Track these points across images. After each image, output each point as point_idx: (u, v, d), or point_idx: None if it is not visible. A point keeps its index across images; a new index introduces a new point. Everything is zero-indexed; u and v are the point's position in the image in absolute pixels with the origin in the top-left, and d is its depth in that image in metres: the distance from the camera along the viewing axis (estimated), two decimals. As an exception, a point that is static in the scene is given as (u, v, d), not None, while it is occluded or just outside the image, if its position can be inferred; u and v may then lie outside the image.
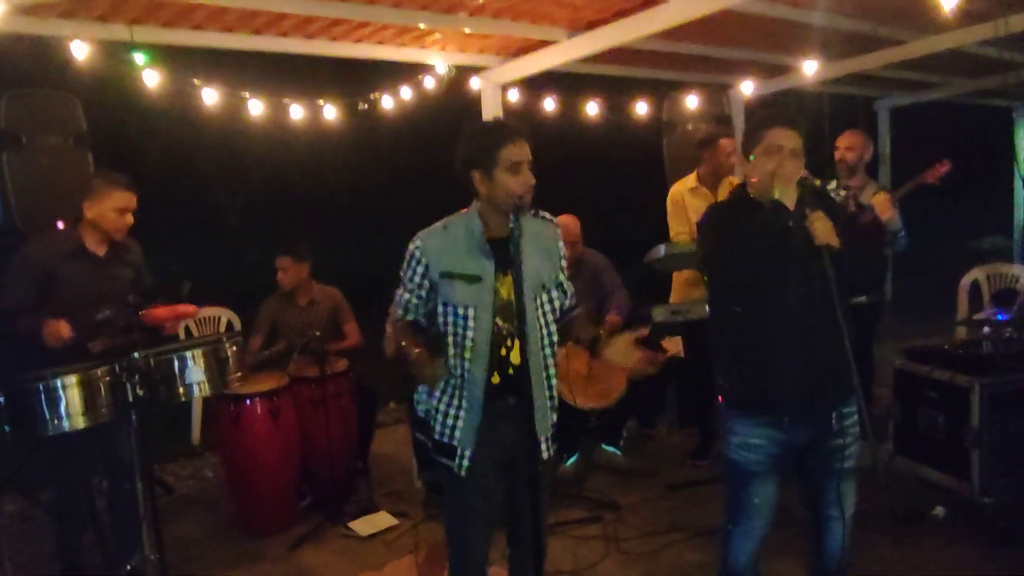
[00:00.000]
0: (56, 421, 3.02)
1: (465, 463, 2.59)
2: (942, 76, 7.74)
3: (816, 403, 2.66)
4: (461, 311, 2.54)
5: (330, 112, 4.99)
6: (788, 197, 2.55)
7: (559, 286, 2.73)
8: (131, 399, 3.13)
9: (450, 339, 2.58)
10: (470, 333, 2.55)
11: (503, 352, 2.59)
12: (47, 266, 3.38)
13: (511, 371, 2.57)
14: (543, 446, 2.65)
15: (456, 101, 5.58)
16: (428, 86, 5.49)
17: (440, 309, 2.58)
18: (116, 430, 3.22)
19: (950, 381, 3.91)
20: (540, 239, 2.66)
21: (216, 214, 7.28)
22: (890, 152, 9.46)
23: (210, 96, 4.74)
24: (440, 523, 4.31)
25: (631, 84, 5.98)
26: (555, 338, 2.70)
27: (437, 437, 2.63)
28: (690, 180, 4.81)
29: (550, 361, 2.67)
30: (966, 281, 5.58)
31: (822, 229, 2.47)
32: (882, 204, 4.52)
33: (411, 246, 2.59)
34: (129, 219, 3.47)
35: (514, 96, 5.75)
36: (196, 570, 3.81)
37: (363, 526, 4.21)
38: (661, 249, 4.44)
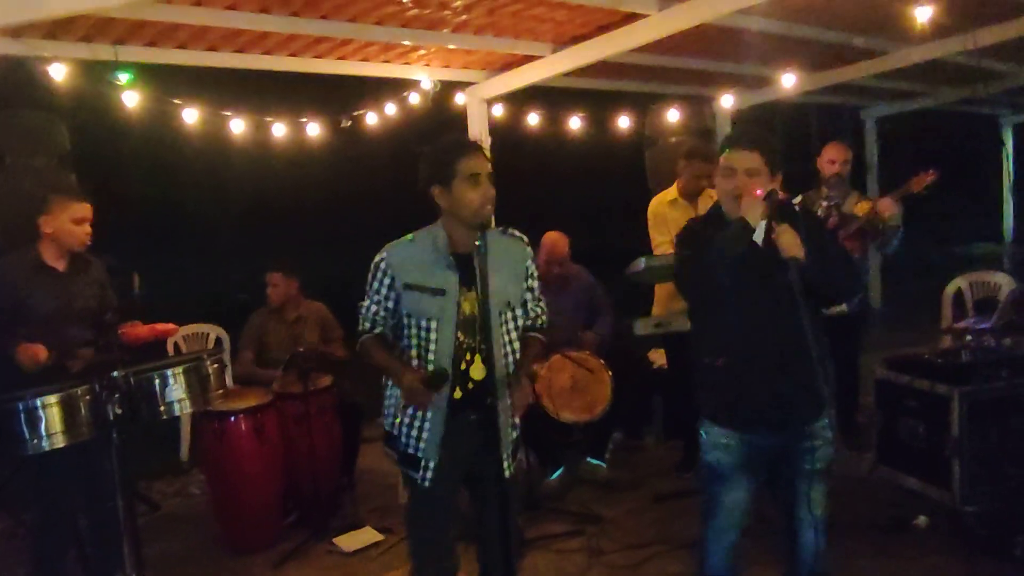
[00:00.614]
0: (36, 440, 3.04)
1: (429, 474, 2.62)
2: (926, 85, 7.80)
3: (787, 416, 2.68)
4: (424, 323, 2.58)
5: (314, 129, 5.02)
6: (752, 214, 2.57)
7: (524, 305, 2.75)
8: (111, 417, 3.14)
9: (414, 351, 2.62)
10: (432, 346, 2.58)
11: (463, 367, 2.63)
12: (15, 285, 3.35)
13: (471, 386, 2.59)
14: (505, 464, 2.67)
15: (441, 116, 5.62)
16: (413, 101, 5.54)
17: (404, 321, 2.61)
18: (97, 448, 3.21)
19: (930, 390, 3.94)
20: (508, 257, 2.69)
21: (203, 231, 7.29)
22: (877, 161, 9.54)
23: (193, 115, 4.79)
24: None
25: (614, 98, 6.04)
26: (518, 356, 2.74)
27: (402, 448, 2.65)
28: (670, 193, 4.83)
29: (508, 380, 2.68)
30: (950, 290, 5.61)
31: (788, 242, 2.50)
32: (885, 203, 4.57)
33: (377, 258, 2.63)
34: (87, 229, 3.43)
35: (499, 111, 5.79)
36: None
37: (348, 542, 4.21)
38: (641, 262, 4.46)
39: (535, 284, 2.78)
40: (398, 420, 2.67)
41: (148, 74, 4.64)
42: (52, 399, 3.05)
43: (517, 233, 2.76)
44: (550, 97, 5.84)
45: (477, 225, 2.53)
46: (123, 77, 4.58)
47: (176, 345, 5.57)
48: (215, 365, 3.48)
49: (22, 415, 3.01)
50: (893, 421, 4.19)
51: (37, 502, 3.44)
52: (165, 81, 4.72)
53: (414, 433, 2.64)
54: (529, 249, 2.77)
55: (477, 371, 2.65)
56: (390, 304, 2.63)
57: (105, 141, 5.06)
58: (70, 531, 3.50)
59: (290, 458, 4.36)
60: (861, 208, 4.72)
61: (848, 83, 7.56)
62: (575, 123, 5.98)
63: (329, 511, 4.47)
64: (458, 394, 2.62)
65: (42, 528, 3.49)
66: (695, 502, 4.28)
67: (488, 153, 2.61)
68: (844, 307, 4.42)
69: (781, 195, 2.77)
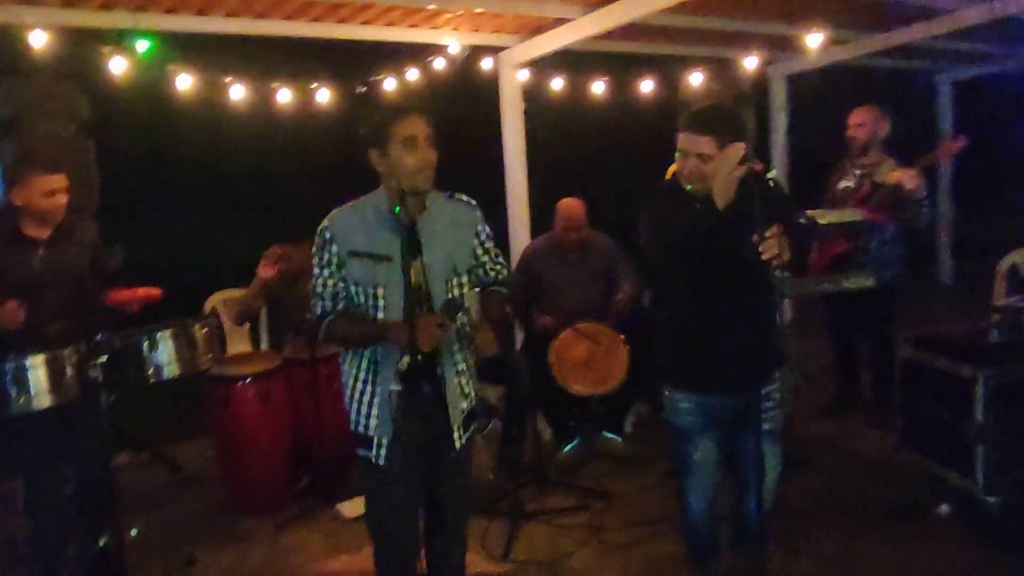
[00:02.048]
0: (23, 400, 3.10)
1: (383, 451, 2.56)
2: (1004, 46, 7.31)
3: (742, 379, 2.72)
4: (371, 291, 2.51)
5: (324, 96, 4.98)
6: (720, 192, 2.55)
7: (476, 271, 2.66)
8: (99, 380, 3.20)
9: None
10: (380, 315, 2.51)
11: None
12: None
13: (420, 357, 2.51)
14: (456, 434, 2.60)
15: (467, 83, 5.52)
16: (438, 67, 5.45)
17: (353, 291, 2.54)
18: (85, 411, 3.25)
19: (952, 371, 3.68)
20: (456, 223, 2.60)
21: (221, 199, 7.40)
22: (952, 127, 8.99)
23: (194, 83, 4.79)
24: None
25: (644, 62, 5.82)
26: (466, 327, 2.66)
27: (354, 428, 2.60)
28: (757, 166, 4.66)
29: (457, 347, 2.62)
30: (1003, 265, 5.23)
31: (774, 247, 2.38)
32: (907, 174, 4.31)
33: (320, 228, 2.55)
34: (60, 200, 3.37)
35: (524, 76, 5.66)
36: (183, 547, 3.88)
37: (350, 508, 4.23)
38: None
39: (490, 245, 2.68)
40: (352, 394, 2.61)
41: (168, 42, 4.69)
42: (39, 359, 3.10)
43: (465, 198, 2.66)
44: (576, 63, 5.68)
45: (417, 191, 2.45)
46: (143, 45, 4.65)
47: (214, 311, 5.64)
48: (205, 330, 3.51)
49: (9, 375, 3.07)
50: (916, 402, 3.94)
51: (24, 471, 3.48)
52: (185, 50, 4.78)
53: (364, 410, 2.57)
54: (479, 213, 2.66)
55: None
56: (343, 273, 2.55)
57: (127, 110, 5.13)
58: (61, 500, 3.50)
59: (299, 424, 4.39)
60: (893, 177, 4.43)
61: (920, 45, 7.16)
62: (605, 89, 5.80)
63: (337, 478, 4.49)
64: (406, 364, 2.55)
65: (32, 504, 3.49)
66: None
67: (427, 115, 2.47)
68: (871, 281, 4.19)
69: (758, 166, 2.69)
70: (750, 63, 5.79)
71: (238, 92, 4.82)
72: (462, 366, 2.62)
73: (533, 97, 5.76)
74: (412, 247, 2.49)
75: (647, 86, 5.83)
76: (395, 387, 2.54)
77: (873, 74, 8.22)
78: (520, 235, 5.78)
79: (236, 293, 5.14)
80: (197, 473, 4.93)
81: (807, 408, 5.32)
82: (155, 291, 3.53)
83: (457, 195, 2.66)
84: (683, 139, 2.67)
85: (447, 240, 2.56)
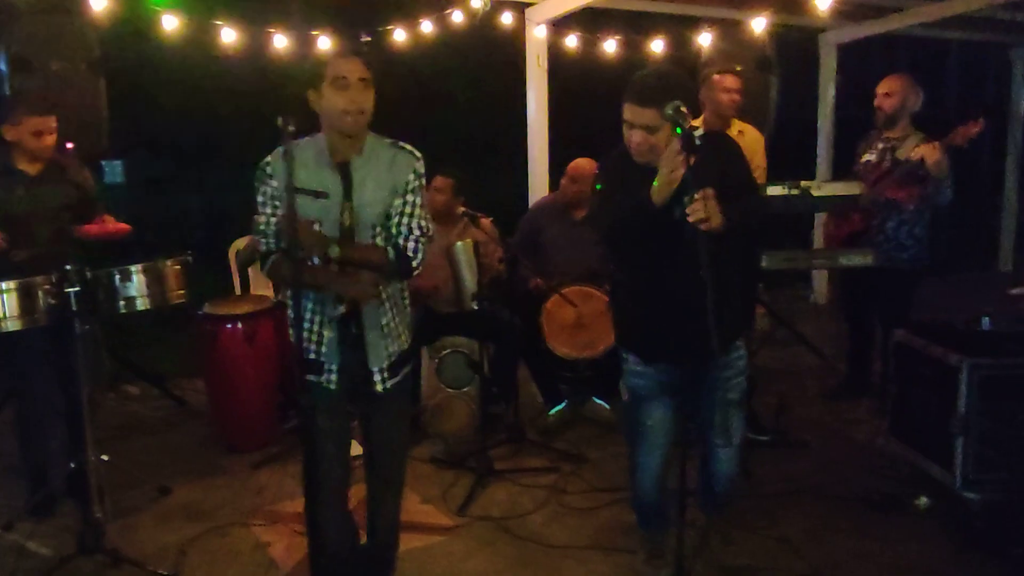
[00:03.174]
0: (-10, 322, 3.25)
1: (334, 376, 2.58)
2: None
3: (690, 353, 2.63)
4: None
5: (325, 43, 4.91)
6: (666, 165, 2.44)
7: (399, 218, 2.59)
8: (73, 308, 3.31)
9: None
10: None
11: None
12: None
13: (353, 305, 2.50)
14: (376, 377, 2.60)
15: (484, 38, 5.42)
16: (456, 20, 5.37)
17: None
18: (63, 337, 3.38)
19: (942, 359, 3.48)
20: (392, 169, 2.56)
21: (233, 145, 7.48)
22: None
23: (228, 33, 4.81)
24: (408, 457, 4.36)
25: (658, 21, 5.63)
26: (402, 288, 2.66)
27: (303, 355, 2.58)
28: (695, 124, 4.45)
29: (385, 296, 2.59)
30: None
31: (702, 211, 2.33)
32: (929, 149, 4.08)
33: (262, 163, 2.54)
34: (47, 141, 3.53)
35: (541, 32, 5.54)
36: (161, 479, 4.01)
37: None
38: None
39: (414, 199, 2.60)
40: (298, 327, 2.61)
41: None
42: (11, 285, 3.23)
43: (408, 147, 2.61)
44: (591, 22, 5.52)
45: (345, 132, 2.44)
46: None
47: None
48: (177, 266, 3.58)
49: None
50: (906, 390, 3.76)
51: (13, 386, 3.67)
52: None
53: (314, 338, 2.58)
54: (419, 164, 2.61)
55: None
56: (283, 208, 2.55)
57: (138, 48, 5.20)
58: (48, 412, 3.70)
59: (288, 366, 4.46)
60: (916, 153, 4.18)
61: (988, 16, 6.73)
62: (623, 48, 5.64)
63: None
64: (341, 308, 2.55)
65: (23, 421, 3.76)
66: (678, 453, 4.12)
67: (363, 61, 2.43)
68: (869, 259, 3.98)
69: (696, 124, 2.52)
70: (758, 24, 5.50)
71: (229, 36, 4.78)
72: (387, 316, 2.60)
73: (554, 56, 5.65)
74: (347, 188, 2.50)
75: (661, 45, 5.62)
76: (328, 332, 2.57)
77: (941, 46, 7.80)
78: (540, 196, 5.71)
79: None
80: (198, 407, 5.07)
81: (814, 391, 5.15)
82: (124, 227, 3.63)
83: (401, 144, 2.63)
84: (627, 110, 2.56)
85: (380, 185, 2.54)
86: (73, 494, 3.66)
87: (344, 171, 2.49)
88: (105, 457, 3.69)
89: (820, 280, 7.59)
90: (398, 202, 2.56)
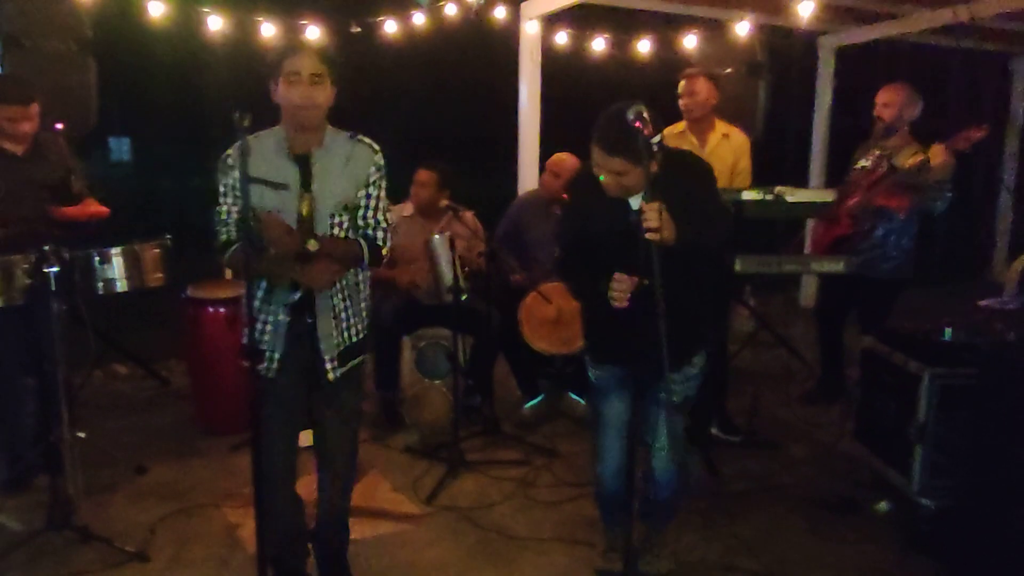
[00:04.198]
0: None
1: (275, 365, 2.66)
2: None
3: (639, 362, 2.63)
4: None
5: (313, 33, 4.96)
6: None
7: (354, 214, 2.67)
8: (51, 288, 3.38)
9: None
10: None
11: None
12: None
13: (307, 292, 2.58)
14: (327, 365, 2.67)
15: (476, 32, 5.46)
16: (450, 13, 5.41)
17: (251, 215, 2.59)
18: (39, 316, 3.45)
19: (903, 367, 3.53)
20: (351, 162, 2.63)
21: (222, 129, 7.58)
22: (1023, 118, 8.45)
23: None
24: (384, 446, 4.43)
25: (652, 23, 5.65)
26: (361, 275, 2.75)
27: (247, 340, 2.64)
28: (679, 126, 4.50)
29: (338, 287, 2.67)
30: (1019, 264, 4.92)
31: (655, 222, 2.37)
32: (937, 149, 4.10)
33: (224, 155, 2.62)
34: (24, 127, 3.58)
35: (533, 28, 5.57)
36: (139, 458, 4.09)
37: (304, 438, 4.34)
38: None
39: (377, 193, 2.68)
40: (248, 313, 2.67)
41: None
42: (-12, 262, 3.31)
43: (367, 140, 2.69)
44: (580, 21, 5.56)
45: (301, 126, 2.51)
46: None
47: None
48: (156, 250, 3.66)
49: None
50: (870, 395, 3.81)
51: None
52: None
53: (259, 326, 2.65)
54: (378, 157, 2.68)
55: None
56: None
57: (128, 29, 5.26)
58: (22, 389, 3.77)
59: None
60: (916, 159, 4.19)
61: (987, 26, 6.71)
62: (611, 45, 5.68)
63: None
64: (295, 295, 2.62)
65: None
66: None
67: (317, 54, 2.52)
68: (840, 266, 4.02)
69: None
70: (741, 28, 5.52)
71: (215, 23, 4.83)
72: (340, 306, 2.67)
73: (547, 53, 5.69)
74: (306, 180, 2.57)
75: (649, 46, 5.66)
76: (283, 317, 2.64)
77: (940, 54, 7.79)
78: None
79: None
80: (182, 389, 5.15)
81: (791, 393, 5.20)
82: (103, 209, 3.70)
83: (360, 137, 2.69)
84: (595, 153, 2.60)
85: (339, 176, 2.61)
86: (48, 470, 3.74)
87: (303, 163, 2.57)
88: (81, 434, 3.77)
89: (810, 285, 7.62)
90: (361, 194, 2.64)
